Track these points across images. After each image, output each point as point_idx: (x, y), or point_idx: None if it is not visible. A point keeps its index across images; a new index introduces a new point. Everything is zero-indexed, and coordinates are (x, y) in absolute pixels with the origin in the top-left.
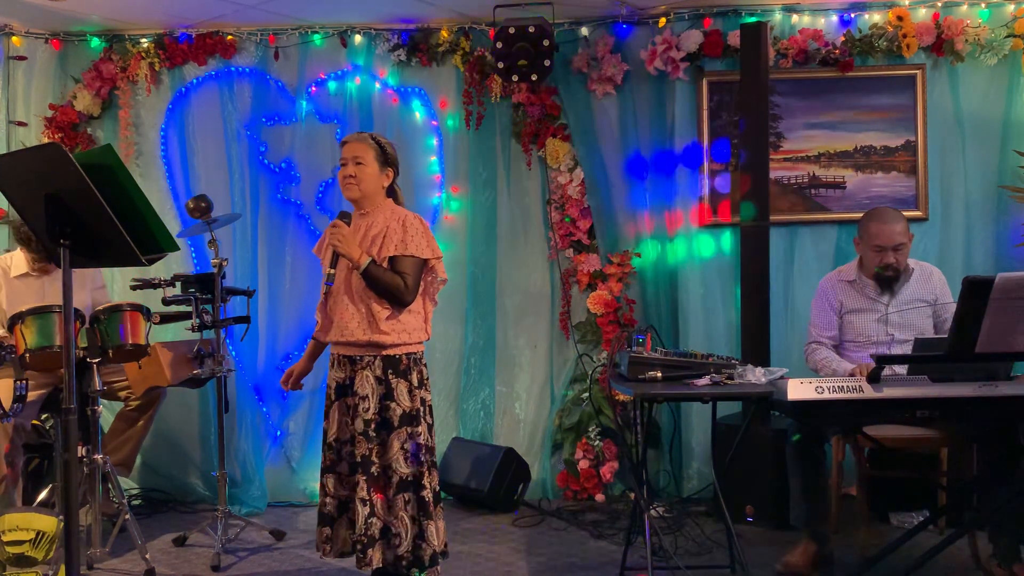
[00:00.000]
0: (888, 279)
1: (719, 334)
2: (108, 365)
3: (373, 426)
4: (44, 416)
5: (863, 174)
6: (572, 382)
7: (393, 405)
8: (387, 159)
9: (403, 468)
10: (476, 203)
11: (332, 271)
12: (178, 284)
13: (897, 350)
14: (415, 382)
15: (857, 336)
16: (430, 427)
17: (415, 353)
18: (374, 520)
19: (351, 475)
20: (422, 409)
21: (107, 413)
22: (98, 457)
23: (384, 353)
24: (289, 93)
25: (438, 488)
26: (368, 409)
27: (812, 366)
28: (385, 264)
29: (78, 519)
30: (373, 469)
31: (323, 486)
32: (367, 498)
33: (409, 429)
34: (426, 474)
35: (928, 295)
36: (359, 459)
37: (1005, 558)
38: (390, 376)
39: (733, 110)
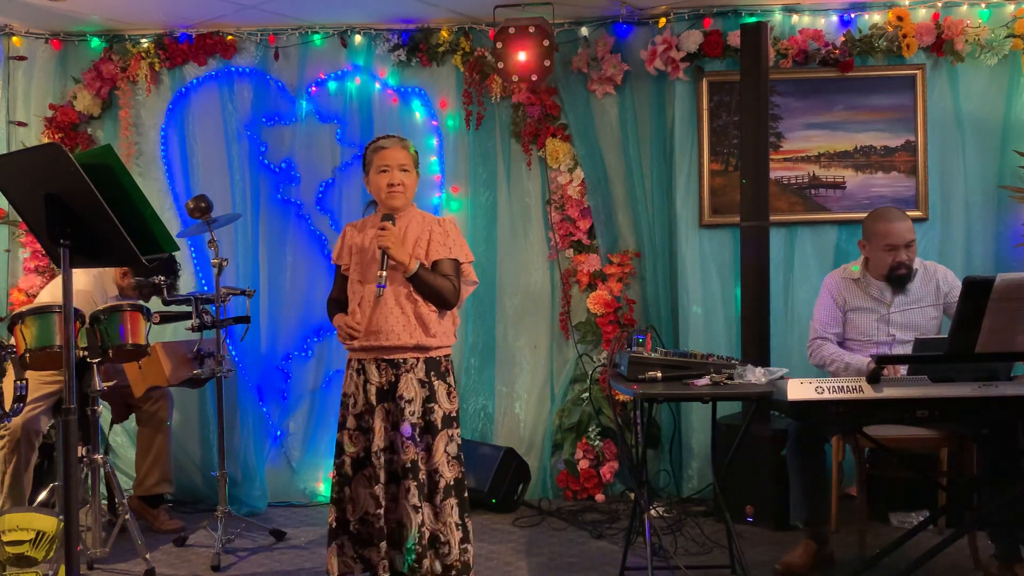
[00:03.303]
0: (901, 277)
1: (719, 334)
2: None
3: (419, 430)
4: None
5: (863, 174)
6: (572, 382)
7: (436, 408)
8: (417, 165)
9: (448, 472)
10: (476, 203)
11: (383, 273)
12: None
13: (898, 350)
14: (452, 383)
15: (859, 335)
16: None
17: (449, 355)
18: (425, 529)
19: (389, 483)
20: (458, 411)
21: (109, 415)
22: (98, 457)
23: (427, 356)
24: (289, 93)
25: None
26: (414, 413)
27: (818, 362)
28: (429, 266)
29: (78, 519)
30: (421, 475)
31: (375, 498)
32: (419, 505)
33: (450, 432)
34: (465, 474)
35: (930, 296)
36: (408, 464)
37: (1005, 558)
38: (432, 378)
39: (733, 110)
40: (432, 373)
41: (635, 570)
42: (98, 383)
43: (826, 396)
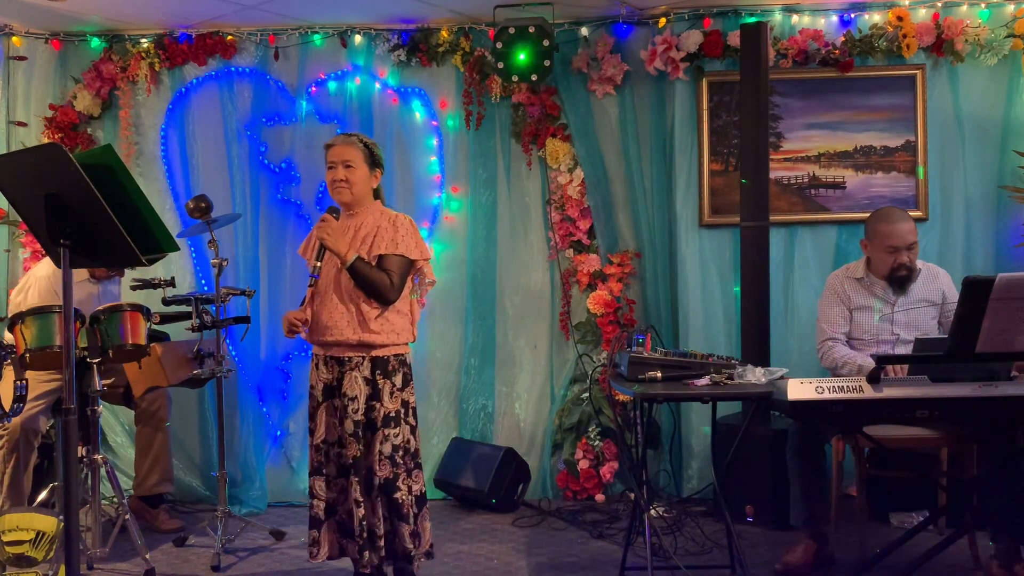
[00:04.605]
0: (902, 278)
1: (719, 334)
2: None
3: (361, 427)
4: None
5: (863, 174)
6: (572, 382)
7: (378, 406)
8: (375, 160)
9: (379, 471)
10: (476, 203)
11: (318, 264)
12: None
13: (901, 349)
14: (399, 384)
15: (863, 334)
16: (413, 429)
17: (402, 355)
18: (366, 523)
19: (338, 477)
20: (403, 411)
21: (108, 415)
22: (98, 457)
23: (373, 354)
24: (289, 93)
25: (423, 490)
26: (357, 410)
27: (829, 364)
28: (373, 262)
29: (78, 519)
30: (363, 472)
31: (311, 488)
32: (360, 500)
33: (386, 431)
34: (403, 476)
35: (934, 295)
36: (351, 460)
37: (1005, 558)
38: (377, 377)
39: (733, 110)
40: (378, 372)
41: (635, 570)
42: (98, 383)
43: (826, 396)
